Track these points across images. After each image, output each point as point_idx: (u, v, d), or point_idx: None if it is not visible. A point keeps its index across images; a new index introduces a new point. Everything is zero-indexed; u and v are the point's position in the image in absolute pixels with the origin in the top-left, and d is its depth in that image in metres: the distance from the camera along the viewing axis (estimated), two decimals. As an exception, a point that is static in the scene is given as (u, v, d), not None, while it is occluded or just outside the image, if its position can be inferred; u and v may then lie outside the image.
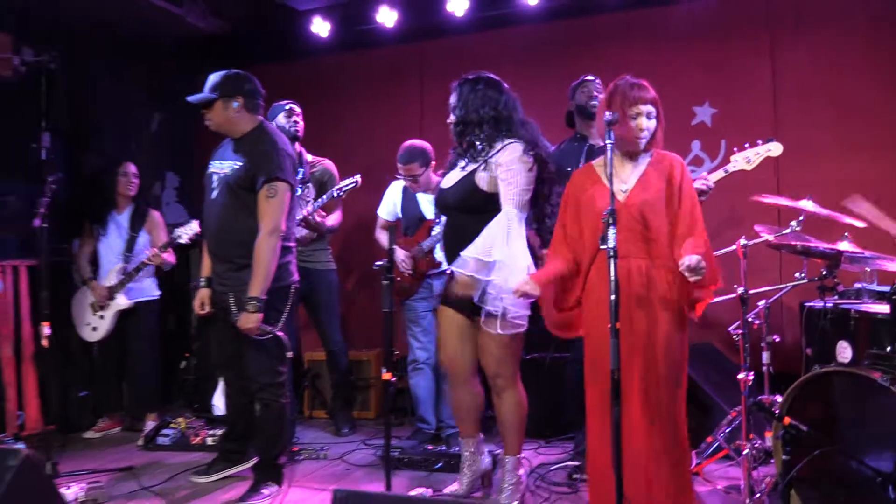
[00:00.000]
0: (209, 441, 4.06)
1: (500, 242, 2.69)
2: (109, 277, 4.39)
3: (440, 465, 3.56)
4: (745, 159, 3.24)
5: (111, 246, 4.45)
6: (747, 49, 4.50)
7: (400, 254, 3.90)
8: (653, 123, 2.61)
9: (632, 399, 2.44)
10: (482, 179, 2.85)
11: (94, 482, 3.27)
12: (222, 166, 3.17)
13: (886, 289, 2.79)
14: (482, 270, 2.69)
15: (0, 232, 4.56)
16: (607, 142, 2.36)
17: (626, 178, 2.61)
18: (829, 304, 3.04)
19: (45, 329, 3.62)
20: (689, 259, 2.34)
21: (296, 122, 4.09)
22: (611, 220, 2.23)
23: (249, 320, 2.96)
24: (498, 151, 2.85)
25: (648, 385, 2.46)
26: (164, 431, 4.17)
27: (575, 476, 3.35)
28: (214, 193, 3.16)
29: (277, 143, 3.11)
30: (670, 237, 2.53)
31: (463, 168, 2.93)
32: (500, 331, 2.72)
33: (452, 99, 3.00)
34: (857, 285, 3.36)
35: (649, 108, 2.60)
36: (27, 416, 4.44)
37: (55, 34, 4.78)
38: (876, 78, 4.24)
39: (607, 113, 2.40)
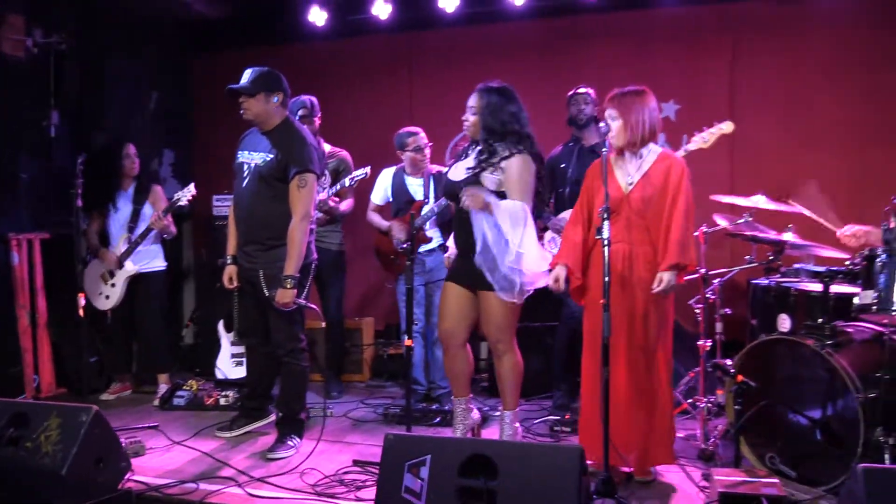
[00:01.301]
0: (222, 402, 4.45)
1: (518, 229, 3.11)
2: (118, 247, 4.68)
3: (437, 420, 4.04)
4: (702, 139, 3.58)
5: (118, 220, 4.71)
6: (710, 52, 5.01)
7: (398, 231, 4.34)
8: (616, 123, 3.03)
9: (618, 364, 2.93)
10: (488, 180, 3.22)
11: (132, 437, 3.63)
12: (252, 157, 3.50)
13: (822, 269, 3.34)
14: (503, 248, 3.12)
15: (13, 206, 4.78)
16: (603, 150, 2.84)
17: (631, 173, 3.05)
18: (773, 283, 3.60)
19: (81, 300, 3.96)
20: (657, 287, 2.88)
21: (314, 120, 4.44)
22: (605, 216, 2.71)
23: (286, 296, 3.36)
24: (507, 158, 3.22)
25: (631, 347, 2.97)
26: (179, 393, 4.53)
27: (556, 428, 3.87)
28: (246, 181, 3.50)
29: (306, 137, 3.48)
30: (664, 230, 2.97)
31: (470, 167, 3.31)
32: (514, 300, 3.17)
33: (475, 101, 3.31)
34: (797, 266, 3.90)
35: (611, 111, 3.04)
36: (42, 380, 4.76)
37: (65, 16, 4.98)
38: (826, 79, 4.78)
39: (602, 125, 2.87)
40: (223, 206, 5.44)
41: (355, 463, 3.34)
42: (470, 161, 3.35)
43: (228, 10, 5.46)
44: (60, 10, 4.96)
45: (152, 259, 4.75)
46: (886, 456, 2.76)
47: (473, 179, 3.26)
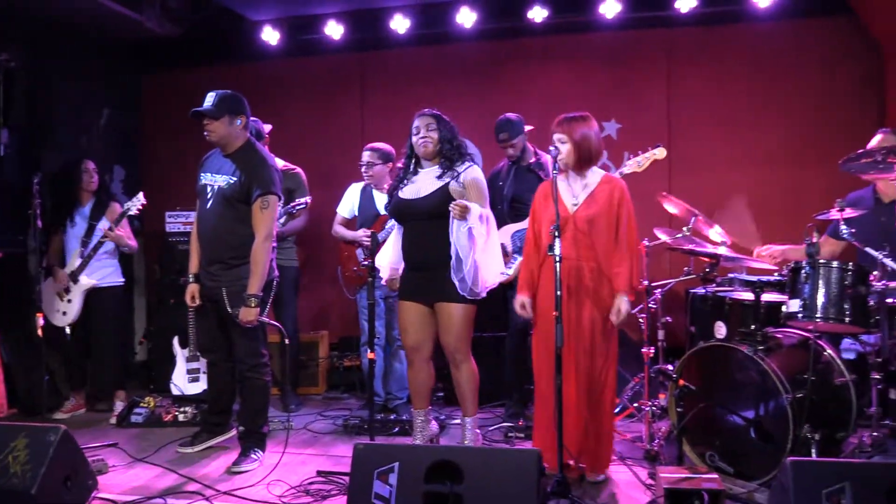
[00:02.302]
0: (181, 417, 4.48)
1: (485, 231, 3.35)
2: (72, 262, 4.67)
3: (396, 430, 4.17)
4: (636, 163, 3.84)
5: (74, 235, 4.71)
6: (649, 73, 5.32)
7: (366, 237, 4.48)
8: (564, 147, 3.24)
9: (569, 372, 3.13)
10: (454, 191, 3.43)
11: (93, 455, 3.64)
12: (216, 179, 3.59)
13: (754, 279, 3.61)
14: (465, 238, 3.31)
15: (-37, 226, 4.73)
16: (553, 172, 3.04)
17: (577, 194, 3.27)
18: (710, 293, 3.87)
19: (40, 320, 3.95)
20: (615, 317, 3.14)
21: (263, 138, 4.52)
22: (556, 234, 2.91)
23: (250, 314, 3.46)
24: (465, 170, 3.46)
25: (579, 357, 3.17)
26: (136, 410, 4.54)
27: (510, 434, 4.05)
28: (210, 203, 3.58)
29: (267, 160, 3.59)
30: (607, 248, 3.20)
31: (423, 182, 3.50)
32: (469, 296, 3.37)
33: (432, 123, 3.51)
34: (731, 276, 4.20)
35: (560, 135, 3.24)
36: (-7, 400, 4.69)
37: (14, 34, 4.95)
38: (755, 99, 5.15)
39: (552, 148, 3.08)
40: (176, 222, 5.49)
41: (319, 473, 3.44)
42: (422, 179, 3.51)
43: (180, 30, 5.49)
44: (9, 28, 4.91)
45: (109, 274, 4.75)
46: (813, 450, 3.02)
47: (441, 194, 3.43)
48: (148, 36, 5.45)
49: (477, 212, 3.32)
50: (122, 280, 4.87)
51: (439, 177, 3.47)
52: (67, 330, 4.71)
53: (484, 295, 3.45)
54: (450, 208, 3.29)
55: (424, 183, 3.51)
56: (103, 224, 4.73)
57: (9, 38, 4.90)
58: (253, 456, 3.62)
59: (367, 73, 5.82)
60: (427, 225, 3.46)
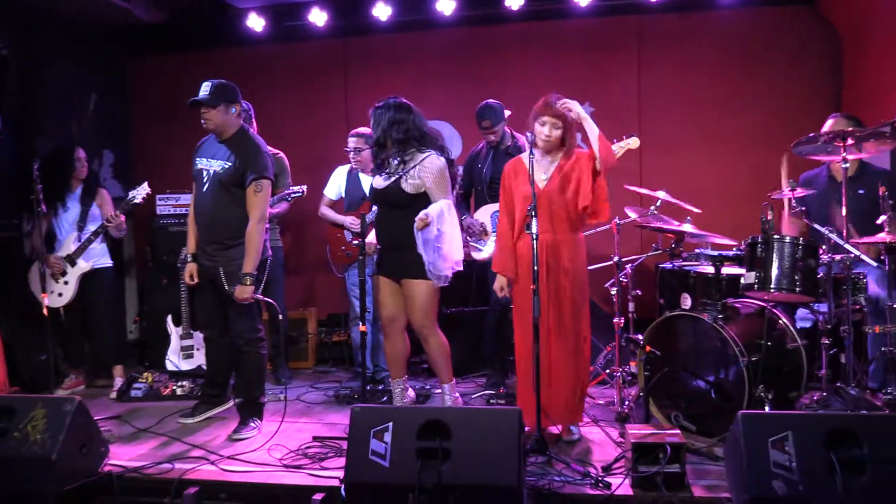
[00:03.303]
0: (178, 391, 4.71)
1: (442, 220, 3.61)
2: (67, 246, 4.84)
3: (385, 399, 4.42)
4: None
5: (67, 219, 4.87)
6: (621, 59, 5.57)
7: (353, 222, 4.73)
8: (555, 132, 3.49)
9: (547, 341, 3.40)
10: (406, 184, 3.68)
11: (100, 427, 3.85)
12: (211, 164, 3.78)
13: (716, 253, 3.90)
14: (431, 237, 3.58)
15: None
16: (529, 156, 3.28)
17: (544, 171, 3.51)
18: (676, 267, 4.16)
19: (45, 300, 4.14)
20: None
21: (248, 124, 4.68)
22: (533, 213, 3.16)
23: (245, 291, 3.68)
24: (420, 162, 3.68)
25: (558, 326, 3.44)
26: (136, 385, 4.75)
27: (492, 401, 4.33)
28: (205, 187, 3.78)
29: (261, 146, 3.79)
30: (578, 211, 3.46)
31: (388, 176, 3.74)
32: (436, 283, 3.66)
33: (372, 123, 3.79)
34: (697, 251, 4.49)
35: (553, 120, 3.47)
36: (-6, 378, 4.87)
37: (5, 22, 5.06)
38: (723, 84, 5.43)
39: (528, 133, 3.32)
40: (166, 205, 5.67)
41: (315, 439, 3.69)
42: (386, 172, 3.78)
43: (166, 17, 5.62)
44: (0, 18, 5.03)
45: (101, 256, 4.93)
46: (767, 408, 3.32)
47: (395, 187, 3.70)
48: (134, 22, 5.57)
49: (437, 210, 3.59)
50: (112, 262, 5.05)
51: (391, 172, 3.73)
52: (61, 311, 4.90)
53: (449, 276, 3.73)
54: (414, 222, 3.58)
55: (390, 175, 3.77)
56: (95, 210, 4.91)
57: (0, 28, 5.02)
58: (252, 424, 3.86)
59: (351, 58, 6.00)
60: (391, 211, 3.75)
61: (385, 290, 3.87)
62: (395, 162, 3.73)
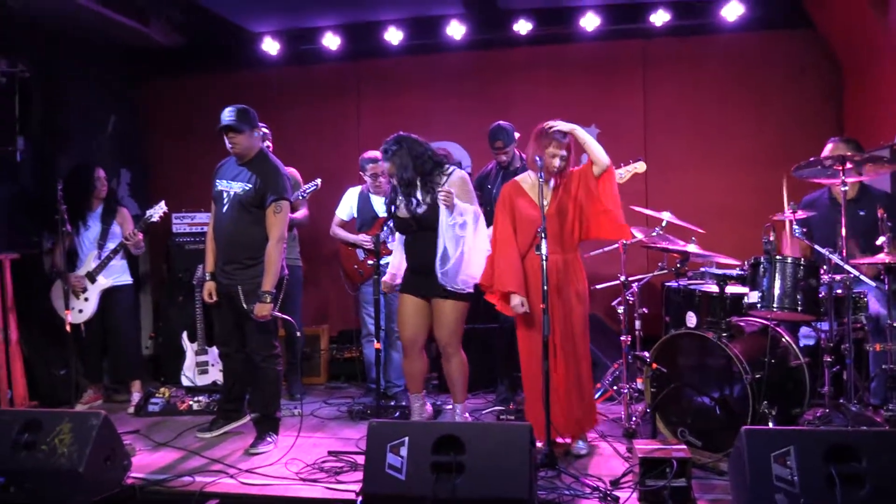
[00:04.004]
0: (195, 406, 4.82)
1: (473, 228, 3.74)
2: (88, 263, 4.97)
3: (397, 414, 4.53)
4: (618, 176, 4.16)
5: (88, 237, 5.01)
6: (626, 82, 5.72)
7: (367, 241, 4.84)
8: (564, 162, 3.60)
9: (556, 358, 3.51)
10: (443, 213, 3.76)
11: (123, 441, 3.96)
12: (231, 185, 3.92)
13: (721, 272, 4.00)
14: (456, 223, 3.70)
15: (-18, 230, 5.01)
16: (539, 179, 3.41)
17: (546, 194, 3.62)
18: (681, 285, 4.26)
19: (68, 316, 4.26)
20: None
21: (268, 145, 4.83)
22: (543, 235, 3.28)
23: (264, 309, 3.80)
24: (448, 177, 3.83)
25: (566, 344, 3.55)
26: (153, 400, 4.86)
27: (502, 417, 4.43)
28: (225, 208, 3.91)
29: (280, 168, 3.93)
30: (581, 231, 3.59)
31: (418, 203, 3.86)
32: (467, 295, 3.78)
33: (385, 165, 3.94)
34: (702, 269, 4.58)
35: (560, 151, 3.59)
36: (15, 393, 4.97)
37: (28, 46, 5.23)
38: (726, 107, 5.57)
39: (537, 158, 3.45)
40: (181, 223, 5.81)
41: (330, 453, 3.79)
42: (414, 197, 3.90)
43: (184, 40, 5.79)
44: (23, 41, 5.19)
45: (121, 273, 5.06)
46: (770, 424, 3.41)
47: (432, 213, 3.80)
48: (153, 45, 5.73)
49: (471, 209, 3.71)
50: (132, 280, 5.18)
51: (424, 195, 3.85)
52: (82, 327, 5.02)
53: (470, 289, 3.83)
54: (437, 194, 3.67)
55: (422, 200, 3.88)
56: (116, 228, 5.05)
57: (23, 51, 5.18)
58: (268, 439, 3.96)
59: (362, 81, 6.16)
60: (422, 235, 3.85)
61: (409, 310, 3.96)
62: (421, 192, 3.85)
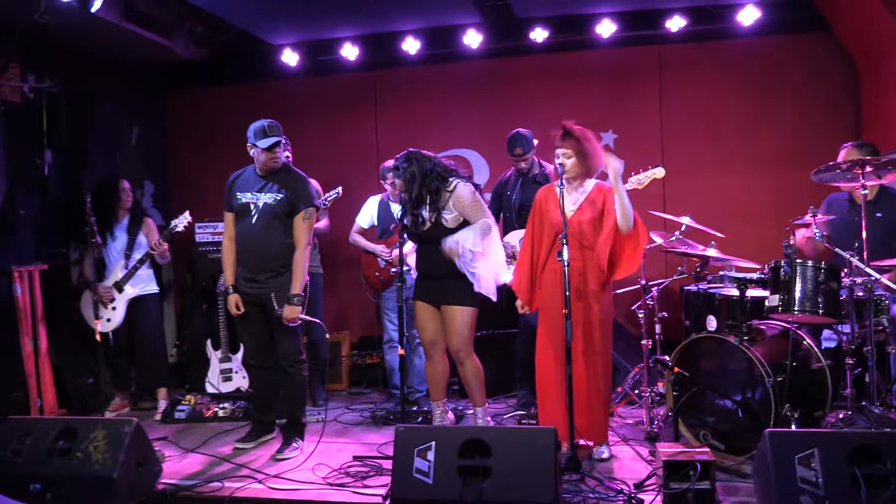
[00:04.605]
0: (220, 413, 4.89)
1: (478, 240, 3.79)
2: (115, 273, 5.06)
3: (420, 419, 4.58)
4: (638, 181, 4.25)
5: (115, 248, 5.10)
6: (642, 87, 5.75)
7: (384, 251, 4.94)
8: (570, 161, 3.64)
9: (576, 358, 3.54)
10: (447, 220, 3.88)
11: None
12: (259, 197, 3.99)
13: (741, 276, 4.02)
14: (469, 255, 3.77)
15: (13, 241, 5.11)
16: (558, 186, 3.46)
17: (574, 201, 3.68)
18: (701, 289, 4.29)
19: (98, 326, 4.36)
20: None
21: (288, 156, 4.91)
22: (564, 241, 3.32)
23: (294, 311, 3.89)
24: (452, 194, 3.88)
25: (587, 348, 3.58)
26: (179, 407, 4.95)
27: (523, 422, 4.46)
28: (255, 218, 3.98)
29: (304, 177, 4.03)
30: (602, 244, 3.60)
31: (423, 220, 3.93)
32: (491, 296, 3.85)
33: (400, 183, 3.99)
34: (722, 273, 4.61)
35: (565, 150, 3.63)
36: (45, 401, 5.07)
37: (55, 62, 5.36)
38: (743, 110, 5.59)
39: (557, 164, 3.50)
40: (205, 233, 5.90)
41: (355, 458, 3.85)
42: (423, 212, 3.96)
43: (205, 53, 5.89)
44: (50, 56, 5.32)
45: (148, 283, 5.16)
46: (793, 426, 3.43)
47: (436, 228, 3.88)
48: (175, 59, 5.84)
49: (475, 231, 3.78)
50: (158, 289, 5.28)
51: (429, 212, 3.93)
52: (110, 336, 5.12)
53: (493, 297, 3.89)
54: (443, 244, 3.78)
55: (428, 216, 3.96)
56: (142, 238, 5.15)
57: (50, 66, 5.31)
58: (294, 444, 4.02)
59: (381, 90, 6.23)
60: (430, 248, 3.92)
61: (425, 315, 4.04)
62: (427, 210, 3.93)
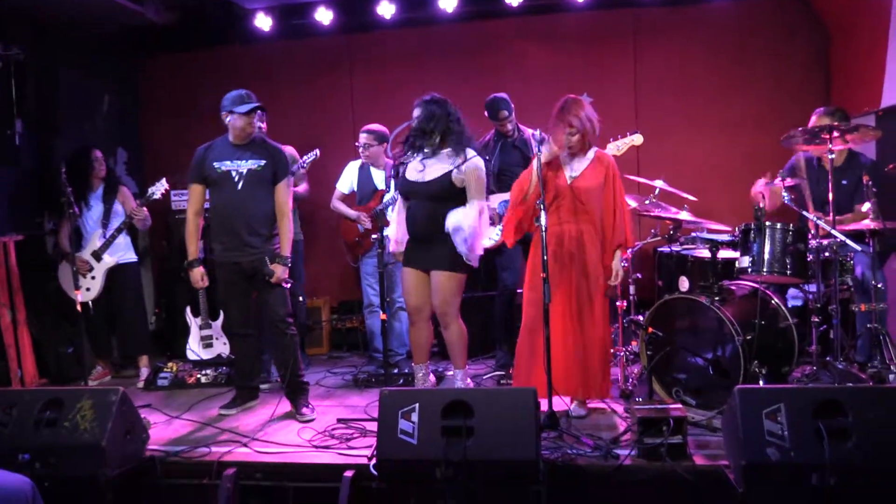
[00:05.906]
0: (203, 380, 4.94)
1: (473, 222, 3.83)
2: (93, 243, 5.05)
3: (401, 381, 4.68)
4: (616, 147, 4.32)
5: (91, 217, 5.08)
6: (617, 51, 5.78)
7: (363, 217, 4.97)
8: (576, 139, 3.68)
9: (556, 318, 3.63)
10: (456, 179, 3.88)
11: (137, 415, 4.09)
12: (240, 164, 4.02)
13: (712, 237, 4.13)
14: (461, 234, 3.83)
15: (-16, 212, 5.06)
16: (537, 153, 3.51)
17: (575, 168, 3.73)
18: (674, 251, 4.40)
19: (78, 296, 4.36)
20: (614, 280, 3.72)
21: (262, 126, 4.87)
22: (542, 207, 3.39)
23: (286, 271, 4.04)
24: (469, 160, 3.88)
25: (581, 307, 3.68)
26: (162, 375, 4.99)
27: (502, 381, 4.58)
28: (240, 186, 4.01)
29: (280, 147, 4.10)
30: (603, 215, 3.70)
31: (429, 166, 3.92)
32: (472, 264, 3.93)
33: (419, 112, 3.95)
34: (694, 234, 4.71)
35: (570, 129, 3.65)
36: (25, 371, 5.09)
37: (21, 29, 5.23)
38: (716, 74, 5.65)
39: (540, 134, 3.55)
40: (181, 200, 5.86)
41: (339, 420, 3.93)
42: (430, 164, 3.94)
43: (176, 18, 5.79)
44: (16, 23, 5.19)
45: (126, 251, 5.16)
46: (761, 382, 3.58)
47: (445, 180, 3.88)
48: (145, 23, 5.73)
49: (473, 211, 3.81)
50: (136, 257, 5.27)
51: (445, 164, 3.90)
52: (90, 305, 5.12)
53: (475, 265, 3.98)
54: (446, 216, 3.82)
55: (431, 168, 3.94)
56: (118, 206, 5.12)
57: (16, 33, 5.19)
58: (306, 407, 4.09)
59: (355, 55, 6.19)
60: (428, 204, 3.93)
61: (413, 281, 4.07)
62: (449, 156, 3.88)
